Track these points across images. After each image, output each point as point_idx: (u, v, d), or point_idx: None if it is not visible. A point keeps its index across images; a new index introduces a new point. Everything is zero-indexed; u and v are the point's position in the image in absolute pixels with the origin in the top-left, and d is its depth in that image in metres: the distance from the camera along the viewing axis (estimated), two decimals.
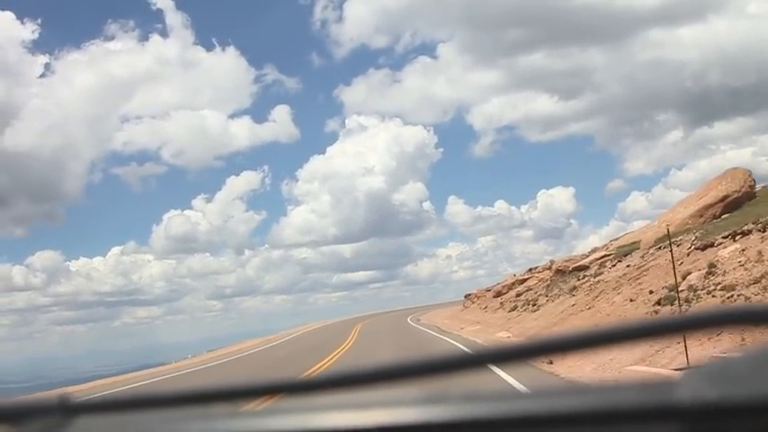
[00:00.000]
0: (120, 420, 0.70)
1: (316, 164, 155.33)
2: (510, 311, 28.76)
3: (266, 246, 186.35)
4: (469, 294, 47.38)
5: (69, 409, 0.70)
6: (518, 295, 33.12)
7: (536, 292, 30.25)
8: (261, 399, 0.67)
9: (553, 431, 0.55)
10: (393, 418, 0.59)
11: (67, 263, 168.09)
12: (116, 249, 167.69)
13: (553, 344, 0.59)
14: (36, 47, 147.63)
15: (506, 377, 7.73)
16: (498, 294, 40.38)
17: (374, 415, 0.59)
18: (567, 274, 28.80)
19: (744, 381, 0.51)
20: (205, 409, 0.66)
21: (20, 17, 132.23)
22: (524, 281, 37.48)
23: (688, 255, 17.03)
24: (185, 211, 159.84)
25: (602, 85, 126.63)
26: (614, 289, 18.40)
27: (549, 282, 30.76)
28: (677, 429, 0.52)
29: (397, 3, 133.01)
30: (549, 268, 34.45)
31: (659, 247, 20.35)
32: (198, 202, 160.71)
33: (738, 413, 0.51)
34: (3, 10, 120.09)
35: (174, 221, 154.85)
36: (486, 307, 37.81)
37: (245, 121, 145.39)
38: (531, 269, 39.95)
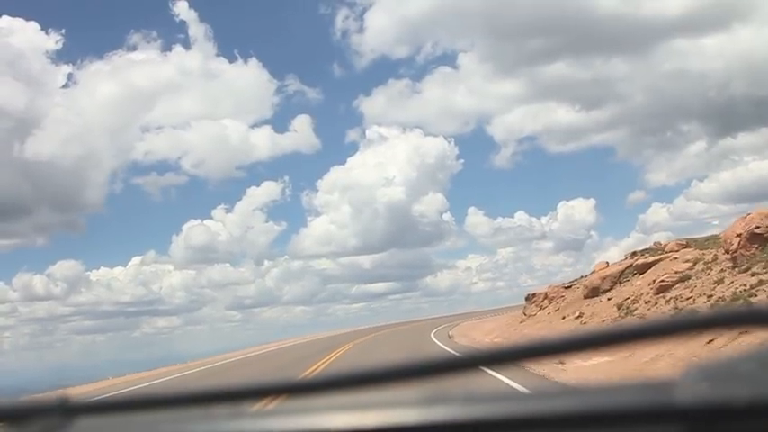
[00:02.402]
0: (121, 421, 0.78)
1: (336, 174, 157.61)
2: None
3: (286, 256, 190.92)
4: (533, 296, 35.94)
5: (69, 410, 0.77)
6: (661, 291, 20.05)
7: (718, 279, 17.89)
8: (262, 399, 0.74)
9: None
10: (393, 419, 0.64)
11: (88, 272, 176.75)
12: (137, 259, 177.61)
13: (558, 344, 0.64)
14: (59, 57, 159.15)
15: None
16: (595, 292, 27.09)
17: (375, 416, 0.65)
18: None
19: (744, 381, 0.56)
20: (206, 410, 0.74)
21: (44, 28, 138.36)
22: (650, 265, 24.42)
23: None
24: (205, 222, 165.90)
25: (624, 95, 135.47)
26: None
27: (732, 257, 18.78)
28: (677, 430, 0.57)
29: (418, 12, 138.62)
30: (684, 246, 24.84)
31: None
32: (218, 212, 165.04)
33: (739, 414, 0.55)
34: (27, 20, 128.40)
35: (194, 231, 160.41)
36: (577, 314, 25.57)
37: (267, 131, 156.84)
38: (634, 253, 28.58)
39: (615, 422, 0.58)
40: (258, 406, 0.73)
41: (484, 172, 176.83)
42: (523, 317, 33.23)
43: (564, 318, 26.43)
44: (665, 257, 24.79)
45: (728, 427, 0.55)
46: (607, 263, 31.32)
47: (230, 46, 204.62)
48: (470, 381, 0.65)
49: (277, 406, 0.70)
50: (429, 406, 0.63)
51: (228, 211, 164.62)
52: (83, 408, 0.77)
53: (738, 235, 19.00)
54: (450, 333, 33.76)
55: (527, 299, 35.10)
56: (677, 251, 25.32)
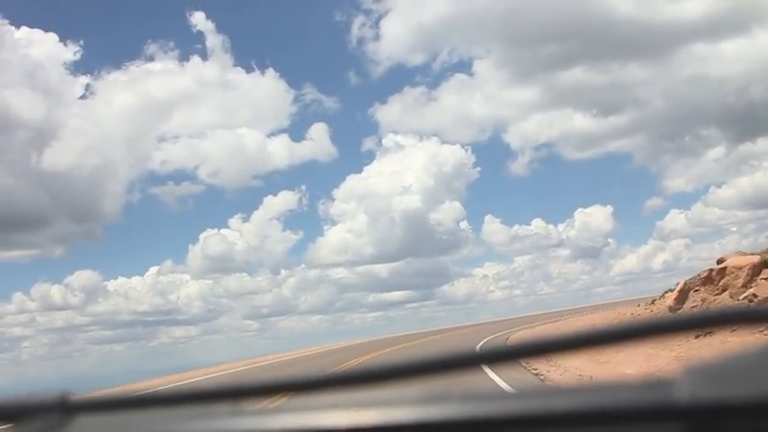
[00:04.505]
0: (121, 419, 0.78)
1: (352, 183, 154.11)
2: None
3: (302, 265, 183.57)
4: (720, 273, 18.21)
5: (69, 408, 0.77)
6: None
7: None
8: (262, 397, 0.75)
9: (552, 430, 0.61)
10: (393, 418, 0.64)
11: (106, 282, 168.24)
12: (154, 269, 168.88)
13: (553, 343, 0.64)
14: (77, 68, 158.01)
15: None
16: None
17: (375, 414, 0.65)
18: None
19: (743, 380, 0.56)
20: (206, 408, 0.74)
21: (62, 39, 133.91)
22: None
23: None
24: (222, 231, 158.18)
25: (642, 100, 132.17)
26: None
27: None
28: (676, 429, 0.57)
29: (434, 19, 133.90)
30: None
31: None
32: (234, 221, 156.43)
33: (737, 413, 0.55)
34: (46, 31, 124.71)
35: (211, 241, 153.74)
36: None
37: (284, 140, 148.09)
38: None
39: (614, 420, 0.58)
40: (258, 404, 0.72)
41: (500, 179, 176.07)
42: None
43: None
44: None
45: (728, 426, 0.54)
46: None
47: (247, 56, 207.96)
48: (470, 379, 0.64)
49: (277, 404, 0.69)
50: (428, 404, 0.63)
51: (245, 220, 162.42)
52: (82, 406, 0.76)
53: None
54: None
55: (708, 280, 18.26)
56: None
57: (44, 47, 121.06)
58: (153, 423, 0.73)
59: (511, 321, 67.68)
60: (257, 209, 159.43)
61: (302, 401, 0.69)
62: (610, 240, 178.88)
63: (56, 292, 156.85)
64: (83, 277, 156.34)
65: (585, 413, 0.58)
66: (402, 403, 0.64)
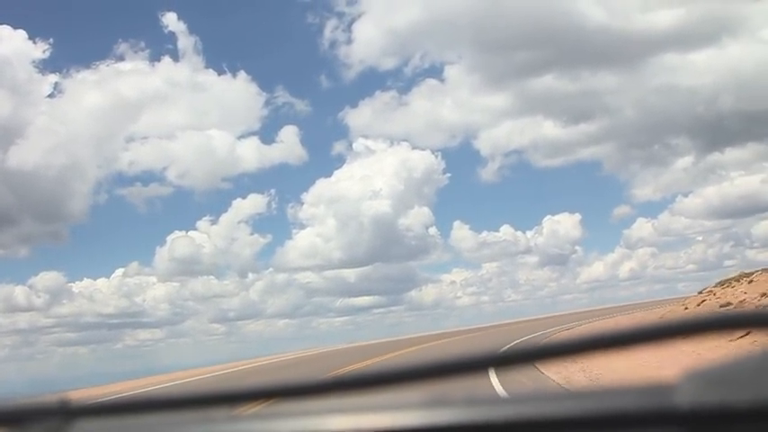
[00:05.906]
0: (120, 424, 0.79)
1: (322, 187, 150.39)
2: None
3: (270, 269, 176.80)
4: None
5: (70, 413, 0.78)
6: None
7: None
8: (261, 402, 0.75)
9: None
10: (394, 422, 0.65)
11: (71, 284, 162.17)
12: (120, 271, 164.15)
13: (561, 348, 0.65)
14: (46, 66, 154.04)
15: None
16: None
17: (374, 418, 0.65)
18: None
19: (744, 386, 0.56)
20: (204, 413, 0.75)
21: (32, 36, 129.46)
22: None
23: None
24: (189, 233, 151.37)
25: (612, 109, 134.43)
26: None
27: None
28: None
29: (406, 24, 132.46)
30: None
31: None
32: (202, 223, 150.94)
33: (738, 418, 0.56)
34: (15, 28, 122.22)
35: (178, 243, 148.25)
36: None
37: (254, 142, 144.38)
38: None
39: (615, 425, 0.58)
40: (258, 408, 0.72)
41: (470, 186, 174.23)
42: None
43: None
44: None
45: (728, 431, 0.55)
46: None
47: (219, 58, 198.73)
48: (473, 383, 0.65)
49: (277, 408, 0.70)
50: (430, 409, 0.63)
51: (213, 222, 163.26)
52: (83, 410, 0.77)
53: None
54: None
55: None
56: None
57: (12, 44, 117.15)
58: (152, 428, 0.74)
59: (499, 330, 49.84)
60: (226, 211, 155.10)
61: (302, 406, 0.69)
62: (577, 248, 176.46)
63: (19, 293, 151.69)
64: (47, 278, 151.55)
65: (587, 418, 0.59)
66: (403, 408, 0.64)
